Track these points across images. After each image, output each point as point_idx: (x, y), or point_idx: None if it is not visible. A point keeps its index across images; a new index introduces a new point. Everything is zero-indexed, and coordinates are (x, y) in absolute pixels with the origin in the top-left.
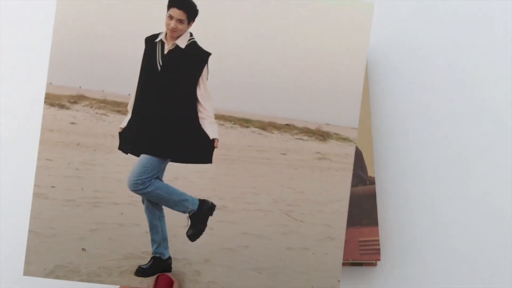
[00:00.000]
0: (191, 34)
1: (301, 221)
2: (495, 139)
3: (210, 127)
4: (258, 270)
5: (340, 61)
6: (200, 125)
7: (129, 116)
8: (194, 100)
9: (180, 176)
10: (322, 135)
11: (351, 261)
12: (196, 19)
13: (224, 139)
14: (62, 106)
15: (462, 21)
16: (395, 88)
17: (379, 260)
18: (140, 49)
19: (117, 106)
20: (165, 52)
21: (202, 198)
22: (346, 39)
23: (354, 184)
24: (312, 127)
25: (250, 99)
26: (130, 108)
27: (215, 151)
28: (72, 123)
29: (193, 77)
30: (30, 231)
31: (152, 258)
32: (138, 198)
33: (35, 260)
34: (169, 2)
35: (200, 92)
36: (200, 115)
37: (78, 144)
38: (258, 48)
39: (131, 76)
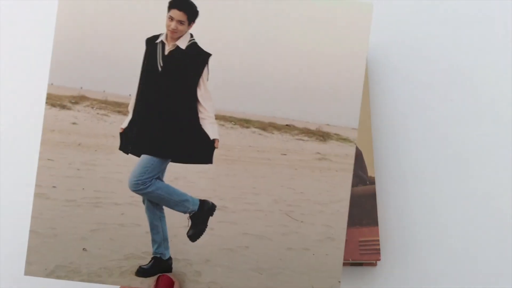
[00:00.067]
0: (191, 35)
1: (302, 222)
2: (495, 139)
3: (211, 128)
4: (258, 271)
5: (340, 61)
6: (200, 126)
7: (130, 116)
8: (195, 101)
9: (180, 176)
10: (322, 136)
11: (351, 261)
12: (197, 20)
13: (225, 140)
14: (63, 107)
15: (462, 21)
16: (395, 88)
17: (379, 260)
18: (141, 50)
19: (118, 107)
20: (166, 53)
21: (202, 198)
22: (346, 39)
23: (354, 184)
24: (312, 128)
25: (251, 100)
26: (131, 108)
27: (216, 152)
28: (73, 123)
29: (194, 78)
30: (31, 231)
31: (152, 258)
32: (139, 198)
33: (36, 260)
34: (169, 3)
35: (200, 93)
36: (200, 115)
37: (79, 144)
38: (258, 48)
39: (132, 77)
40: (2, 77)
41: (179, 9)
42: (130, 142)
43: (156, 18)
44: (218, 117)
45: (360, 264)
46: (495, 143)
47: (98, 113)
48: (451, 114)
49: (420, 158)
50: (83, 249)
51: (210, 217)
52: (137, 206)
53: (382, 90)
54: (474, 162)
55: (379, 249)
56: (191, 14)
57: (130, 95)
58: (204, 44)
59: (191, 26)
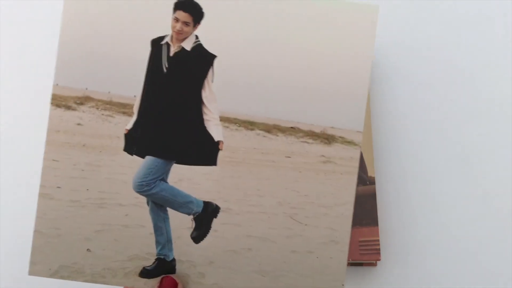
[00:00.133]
0: (196, 37)
1: (306, 224)
2: (495, 139)
3: (215, 129)
4: (261, 273)
5: (345, 64)
6: (205, 127)
7: (134, 117)
8: (199, 102)
9: (184, 178)
10: (327, 138)
11: (351, 261)
12: (202, 22)
13: (229, 142)
14: (68, 107)
15: (462, 21)
16: (395, 88)
17: (379, 260)
18: (146, 51)
19: (123, 108)
20: (171, 54)
21: (206, 200)
22: (351, 42)
23: None
24: (317, 130)
25: (255, 102)
26: (135, 109)
27: (220, 154)
28: (78, 124)
29: (199, 79)
30: (35, 231)
31: (156, 259)
32: (143, 199)
33: (40, 260)
34: (175, 4)
35: (205, 94)
36: (205, 117)
37: (84, 145)
38: (263, 50)
39: (137, 78)
40: (8, 78)
41: (185, 11)
42: (134, 143)
43: (161, 20)
44: (223, 119)
45: (360, 264)
46: (495, 143)
47: (103, 114)
48: (451, 114)
49: (420, 158)
50: (87, 249)
51: (214, 219)
52: (141, 208)
53: (382, 90)
54: (474, 162)
55: (379, 249)
56: (197, 15)
57: (135, 96)
58: (209, 45)
59: (196, 28)
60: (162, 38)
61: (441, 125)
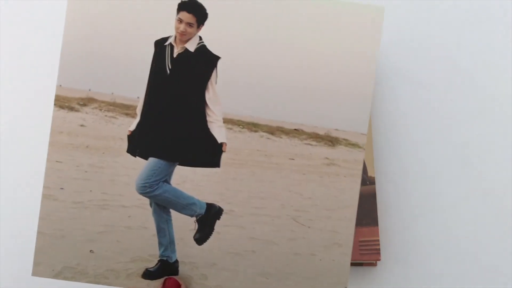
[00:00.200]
0: (200, 38)
1: (309, 227)
2: (496, 139)
3: (219, 131)
4: (264, 275)
5: (350, 66)
6: (208, 129)
7: (138, 119)
8: (203, 104)
9: (188, 179)
10: (331, 141)
11: (351, 261)
12: (206, 23)
13: (232, 143)
14: (71, 109)
15: (463, 21)
16: (396, 88)
17: (379, 260)
18: (149, 52)
19: (126, 109)
20: (175, 55)
21: (209, 202)
22: (356, 44)
23: None
24: (321, 132)
25: (259, 104)
26: (139, 111)
27: (223, 155)
28: (82, 125)
29: (202, 81)
30: (38, 232)
31: (159, 261)
32: (146, 201)
33: (44, 261)
34: (178, 5)
35: (209, 96)
36: (208, 118)
37: (87, 146)
38: (267, 52)
39: (140, 79)
40: (11, 79)
41: (188, 12)
42: (138, 144)
43: (165, 21)
44: (226, 121)
45: (360, 264)
46: (496, 143)
47: (106, 115)
48: (452, 114)
49: (420, 158)
50: (90, 251)
51: (217, 221)
52: (144, 209)
53: (383, 90)
54: (474, 162)
55: (379, 249)
56: (200, 16)
57: (138, 97)
58: (212, 47)
59: (200, 29)
60: (165, 39)
61: (442, 125)
